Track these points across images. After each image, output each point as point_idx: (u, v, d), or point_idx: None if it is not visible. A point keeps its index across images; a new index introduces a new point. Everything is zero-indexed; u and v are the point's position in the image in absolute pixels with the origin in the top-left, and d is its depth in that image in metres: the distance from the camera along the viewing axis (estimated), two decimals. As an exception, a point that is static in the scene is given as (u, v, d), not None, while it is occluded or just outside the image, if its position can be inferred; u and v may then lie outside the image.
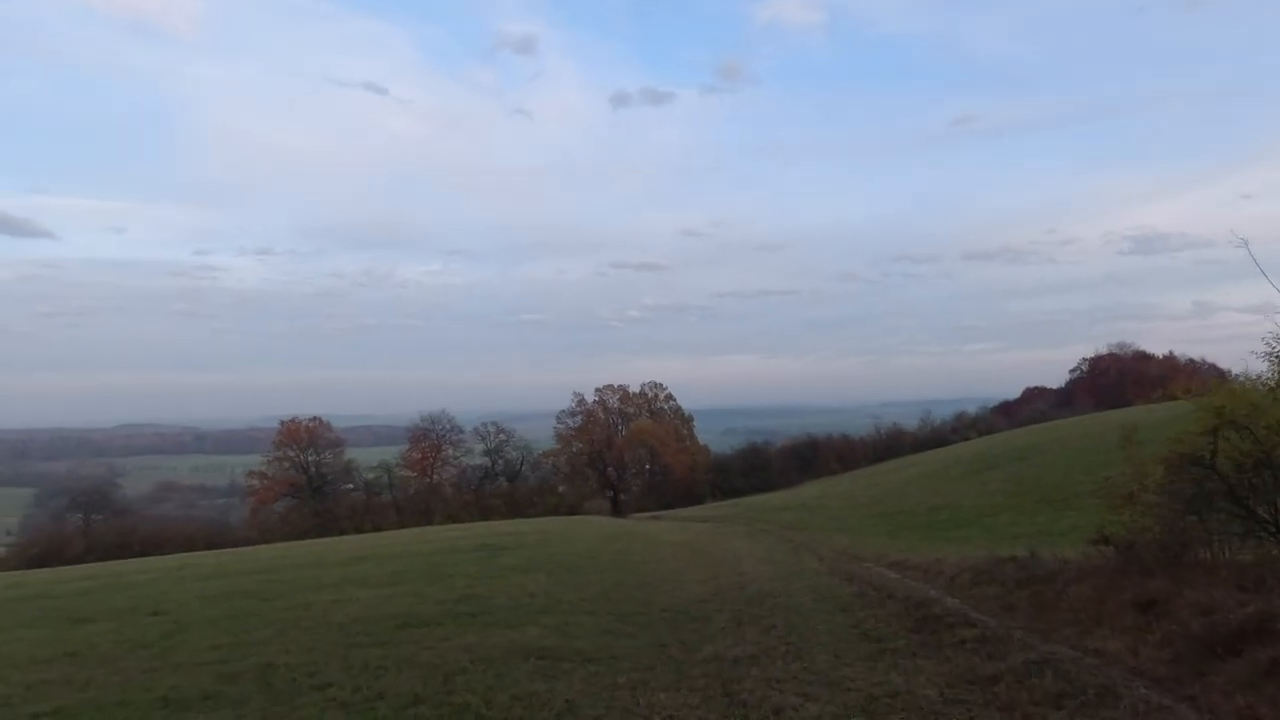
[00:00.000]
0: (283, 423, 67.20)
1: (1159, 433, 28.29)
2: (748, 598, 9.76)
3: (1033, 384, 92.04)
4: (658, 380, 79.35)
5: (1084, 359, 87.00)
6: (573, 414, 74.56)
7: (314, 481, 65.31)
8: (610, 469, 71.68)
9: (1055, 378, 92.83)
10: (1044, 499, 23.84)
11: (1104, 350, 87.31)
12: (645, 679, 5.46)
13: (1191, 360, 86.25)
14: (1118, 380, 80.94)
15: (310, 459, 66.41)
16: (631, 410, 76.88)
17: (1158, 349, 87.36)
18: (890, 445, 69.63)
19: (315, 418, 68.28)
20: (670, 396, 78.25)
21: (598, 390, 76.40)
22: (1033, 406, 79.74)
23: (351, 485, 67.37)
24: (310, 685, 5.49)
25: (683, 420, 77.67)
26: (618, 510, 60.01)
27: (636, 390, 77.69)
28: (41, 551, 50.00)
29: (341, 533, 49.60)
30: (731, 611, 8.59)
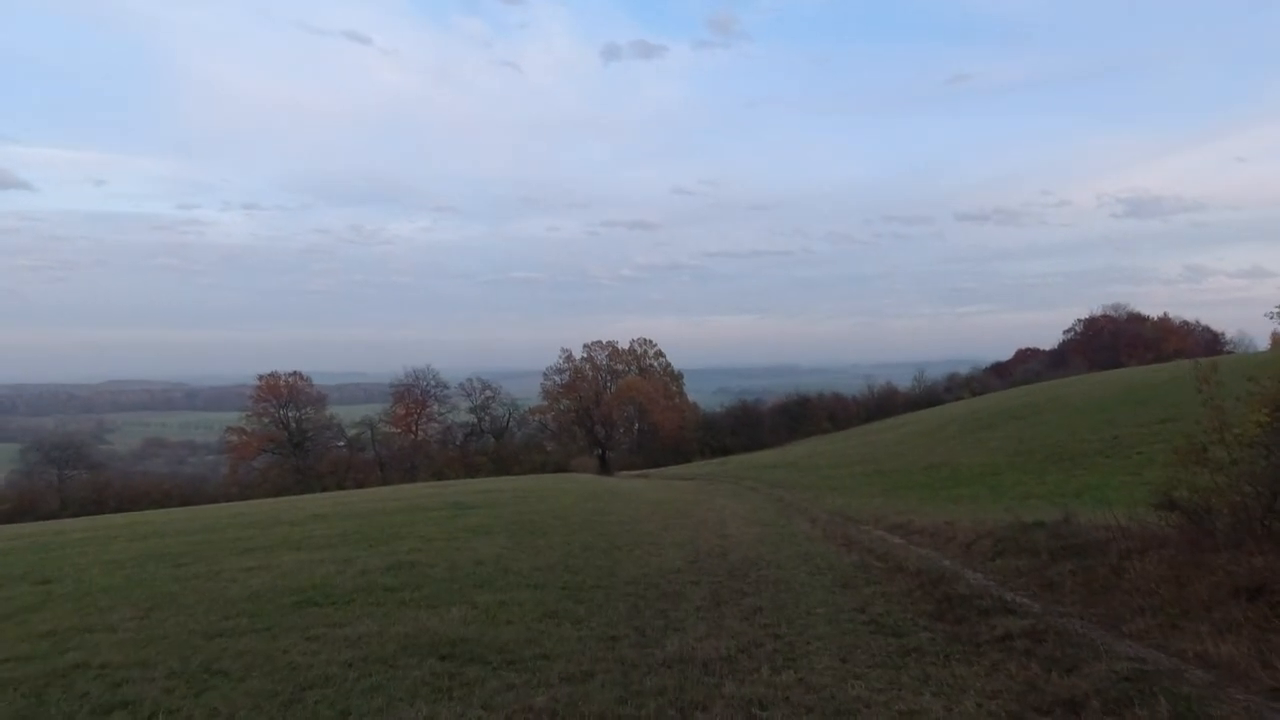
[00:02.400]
0: (261, 378, 65.43)
1: (1157, 393, 26.77)
2: (730, 568, 8.29)
3: (1024, 345, 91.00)
4: (648, 337, 77.73)
5: (1078, 320, 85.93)
6: (560, 370, 73.11)
7: (294, 437, 63.85)
8: (598, 426, 70.43)
9: (1046, 340, 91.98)
10: (1049, 458, 22.56)
11: (1099, 312, 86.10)
12: (575, 697, 3.89)
13: (1186, 322, 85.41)
14: (1111, 341, 79.99)
15: (290, 415, 64.86)
16: (620, 367, 75.40)
17: (1150, 312, 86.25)
18: (883, 404, 68.66)
19: (295, 372, 66.52)
20: (660, 353, 76.80)
21: (586, 346, 74.87)
22: (1026, 367, 78.83)
23: (343, 443, 66.02)
24: (96, 706, 3.94)
25: (672, 377, 76.28)
26: (605, 468, 58.90)
27: (626, 347, 76.16)
28: (12, 507, 48.63)
29: (323, 489, 48.45)
30: (709, 586, 7.10)
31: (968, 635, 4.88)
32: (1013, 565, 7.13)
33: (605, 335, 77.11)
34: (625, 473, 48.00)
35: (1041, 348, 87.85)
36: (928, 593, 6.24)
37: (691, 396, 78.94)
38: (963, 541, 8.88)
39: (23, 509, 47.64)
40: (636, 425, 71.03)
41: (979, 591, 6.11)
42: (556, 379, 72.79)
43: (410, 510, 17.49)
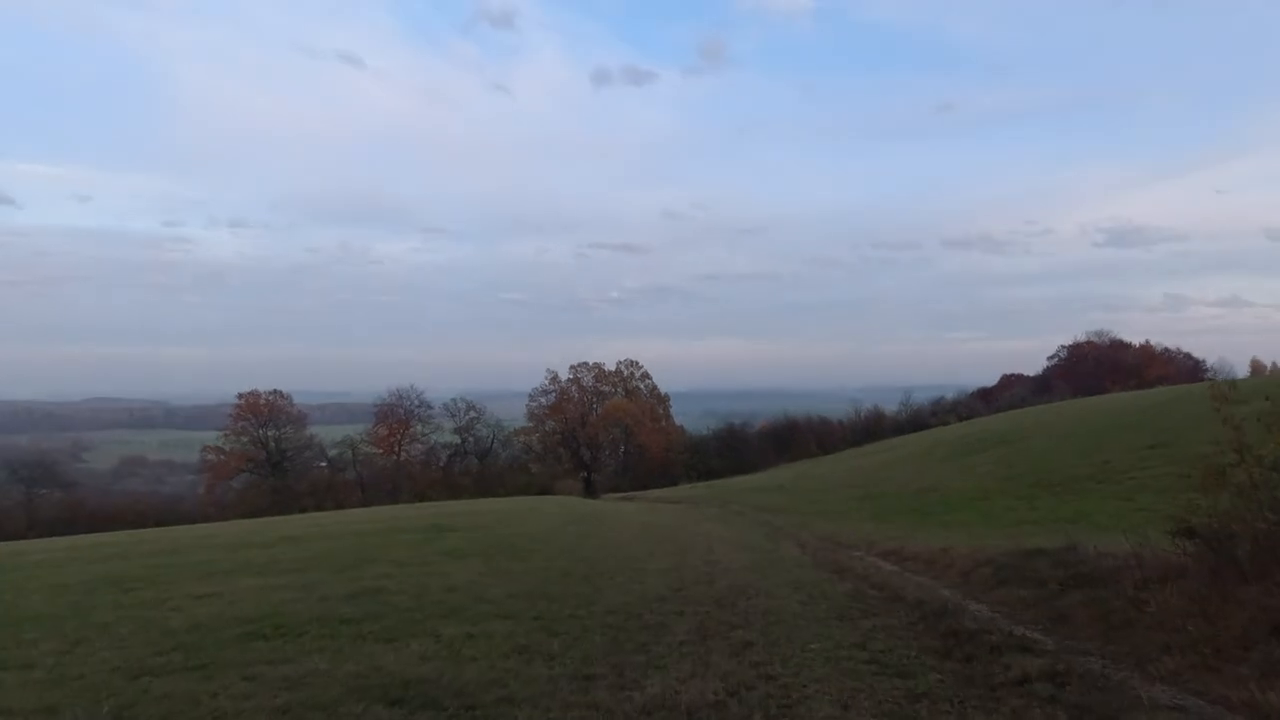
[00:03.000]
0: (241, 395, 64.25)
1: (1144, 419, 26.43)
2: (717, 596, 7.78)
3: (1009, 371, 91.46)
4: (634, 359, 77.26)
5: (1062, 346, 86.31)
6: (546, 392, 72.36)
7: (273, 457, 62.59)
8: (584, 448, 69.62)
9: (1031, 365, 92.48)
10: (1038, 484, 22.20)
11: (1082, 338, 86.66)
12: (539, 752, 3.40)
13: (1167, 349, 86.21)
14: (1095, 368, 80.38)
15: (270, 434, 63.61)
16: (607, 389, 74.77)
17: (1132, 339, 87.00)
18: (870, 428, 68.43)
19: (275, 391, 65.41)
20: (646, 375, 76.30)
21: (572, 368, 74.21)
22: (1011, 392, 78.93)
23: (325, 463, 64.75)
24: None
25: (659, 399, 75.75)
26: (590, 490, 58.08)
27: (612, 368, 75.60)
28: (-24, 527, 47.13)
29: (302, 510, 47.25)
30: (694, 617, 6.59)
31: (981, 676, 4.40)
32: (1017, 595, 6.68)
33: (593, 357, 76.67)
34: (611, 495, 47.31)
35: (1026, 373, 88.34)
36: (931, 626, 5.76)
37: (679, 419, 78.38)
38: (961, 569, 8.43)
39: (-13, 529, 46.22)
40: (623, 448, 70.36)
41: (986, 625, 5.64)
42: (542, 400, 72.08)
43: (387, 532, 16.86)
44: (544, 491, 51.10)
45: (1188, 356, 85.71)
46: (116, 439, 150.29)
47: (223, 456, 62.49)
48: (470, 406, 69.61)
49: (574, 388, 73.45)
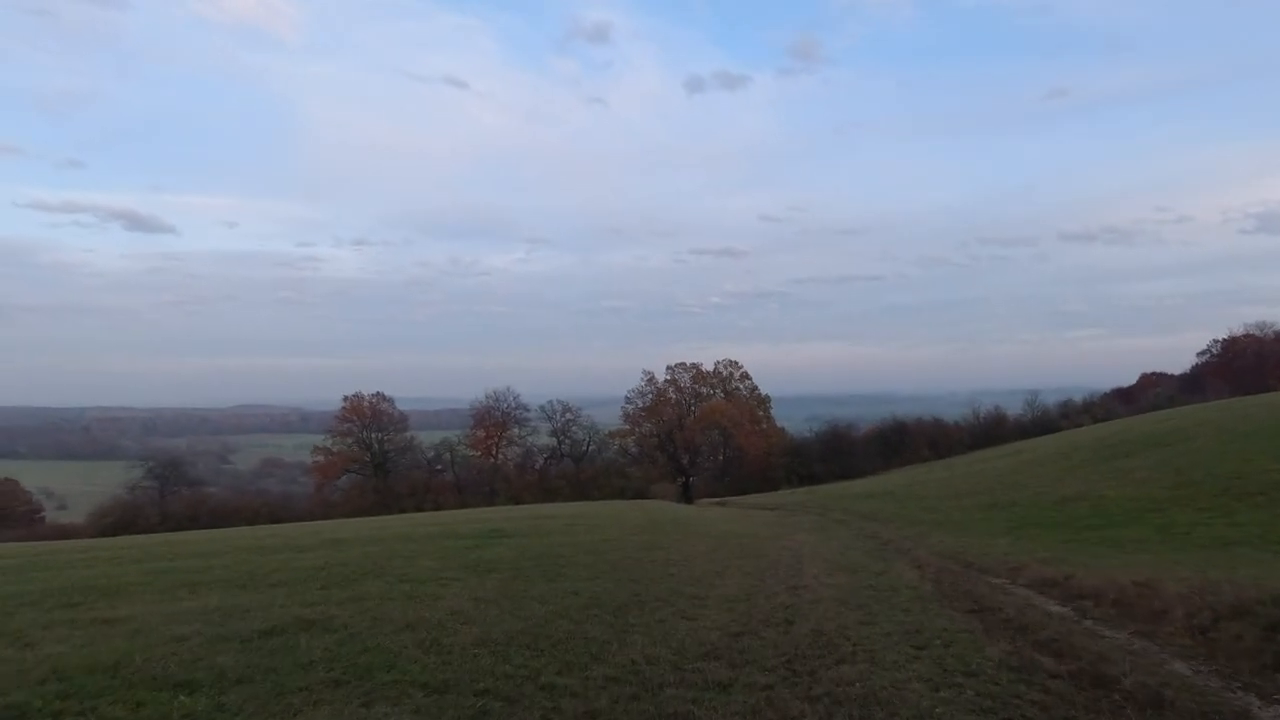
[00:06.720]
0: (346, 399, 65.59)
1: None
2: (792, 652, 5.11)
3: (1143, 370, 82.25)
4: (733, 359, 73.80)
5: (1215, 340, 76.06)
6: (642, 393, 70.04)
7: (376, 458, 63.51)
8: (681, 451, 66.88)
9: (1168, 364, 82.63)
10: (1226, 492, 17.84)
11: (1239, 332, 76.12)
12: None
13: (1349, 342, 74.50)
14: (1256, 363, 70.35)
15: (373, 436, 64.60)
16: (705, 390, 71.79)
17: (1295, 333, 75.39)
18: (990, 431, 62.39)
19: (378, 393, 66.41)
20: (746, 375, 72.70)
21: (669, 368, 71.54)
22: (1154, 392, 70.55)
23: (427, 464, 65.35)
24: None
25: (759, 401, 71.97)
26: (687, 495, 55.36)
27: (710, 369, 72.49)
28: (115, 521, 50.17)
29: (402, 510, 47.31)
30: (747, 696, 4.01)
31: None
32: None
33: (694, 360, 73.23)
34: (706, 500, 44.53)
35: (1168, 371, 79.09)
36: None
37: (782, 423, 74.29)
38: (1186, 620, 5.34)
39: (124, 523, 49.01)
40: (722, 452, 67.17)
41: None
42: (638, 402, 69.84)
43: (436, 537, 15.00)
44: (640, 495, 48.98)
45: (1375, 350, 73.83)
46: (258, 442, 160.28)
47: (330, 457, 63.88)
48: (566, 409, 68.39)
49: (671, 389, 70.92)
